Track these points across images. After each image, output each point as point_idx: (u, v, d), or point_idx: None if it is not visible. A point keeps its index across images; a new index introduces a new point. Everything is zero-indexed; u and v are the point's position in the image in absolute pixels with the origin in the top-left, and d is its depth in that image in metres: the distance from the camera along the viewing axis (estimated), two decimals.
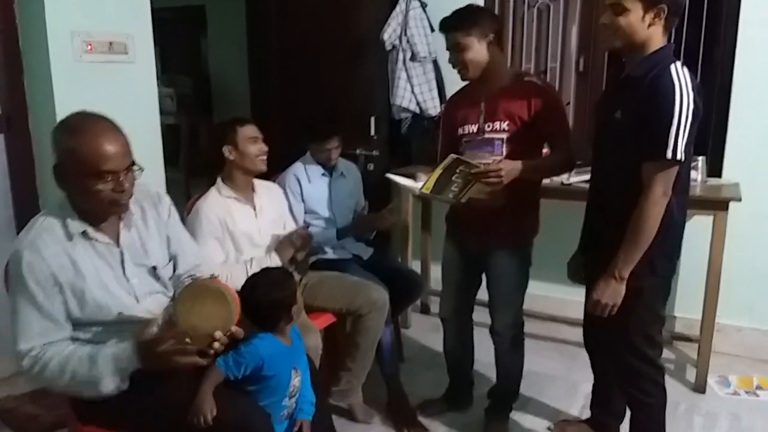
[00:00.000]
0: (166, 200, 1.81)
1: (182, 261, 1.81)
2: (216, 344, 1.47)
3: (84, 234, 1.56)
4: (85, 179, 1.49)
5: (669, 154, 1.68)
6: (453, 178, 2.02)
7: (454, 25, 2.11)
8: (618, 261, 1.79)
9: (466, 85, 2.29)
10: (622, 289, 1.81)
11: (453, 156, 2.01)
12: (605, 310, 1.83)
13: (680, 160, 1.69)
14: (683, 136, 1.67)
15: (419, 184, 2.07)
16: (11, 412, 2.47)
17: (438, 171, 2.02)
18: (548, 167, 2.20)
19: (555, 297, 3.26)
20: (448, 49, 2.15)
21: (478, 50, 2.10)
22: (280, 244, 2.32)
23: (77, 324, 1.56)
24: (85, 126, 1.51)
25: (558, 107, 2.17)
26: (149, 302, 1.66)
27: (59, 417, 2.31)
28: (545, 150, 2.25)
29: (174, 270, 1.79)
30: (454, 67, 2.17)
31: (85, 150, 1.47)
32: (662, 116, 1.67)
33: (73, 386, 1.50)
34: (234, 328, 1.51)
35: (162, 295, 1.72)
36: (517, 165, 2.02)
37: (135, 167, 1.56)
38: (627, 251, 1.78)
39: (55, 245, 1.51)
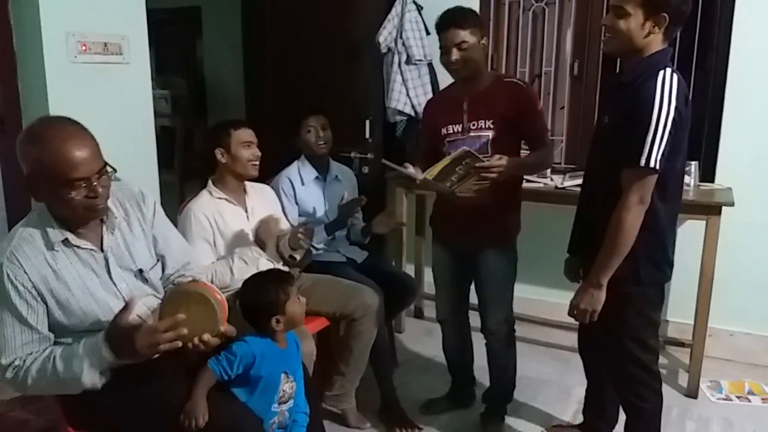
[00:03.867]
0: (151, 198, 1.75)
1: (170, 260, 1.77)
2: (202, 347, 1.46)
3: (65, 242, 1.53)
4: (56, 188, 1.45)
5: (642, 162, 1.67)
6: (457, 169, 2.03)
7: (459, 23, 2.11)
8: (595, 267, 1.80)
9: (445, 88, 2.35)
10: (601, 295, 1.80)
11: (465, 149, 2.00)
12: (584, 316, 1.84)
13: (654, 169, 1.68)
14: (659, 144, 1.66)
15: (419, 173, 2.06)
16: (1, 417, 2.46)
17: (446, 160, 2.01)
18: (534, 164, 2.28)
19: (548, 301, 3.26)
20: (445, 45, 2.14)
21: (476, 50, 2.14)
22: (267, 232, 2.27)
23: (64, 332, 1.54)
24: (49, 133, 1.45)
25: (537, 106, 2.23)
26: (138, 306, 1.62)
27: (49, 422, 2.30)
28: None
29: (163, 270, 1.76)
30: (447, 65, 2.17)
31: (52, 159, 1.41)
32: (639, 123, 1.67)
33: (58, 385, 1.48)
34: (224, 328, 1.49)
35: (153, 298, 1.70)
36: (510, 161, 2.06)
37: (107, 169, 1.51)
38: (603, 257, 1.78)
39: (35, 256, 1.48)
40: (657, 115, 1.65)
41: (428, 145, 2.35)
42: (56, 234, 1.51)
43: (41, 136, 1.45)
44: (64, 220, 1.53)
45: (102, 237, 1.60)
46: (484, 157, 2.10)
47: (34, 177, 1.46)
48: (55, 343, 1.53)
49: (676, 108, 1.66)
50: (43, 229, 1.51)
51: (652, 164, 1.67)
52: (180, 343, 1.43)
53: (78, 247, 1.55)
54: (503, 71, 3.44)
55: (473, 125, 2.18)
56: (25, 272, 1.46)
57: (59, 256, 1.52)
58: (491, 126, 2.15)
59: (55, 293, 1.50)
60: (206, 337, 1.45)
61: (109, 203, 1.58)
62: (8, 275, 1.45)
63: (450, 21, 2.13)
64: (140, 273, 1.66)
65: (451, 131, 2.22)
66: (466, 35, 2.11)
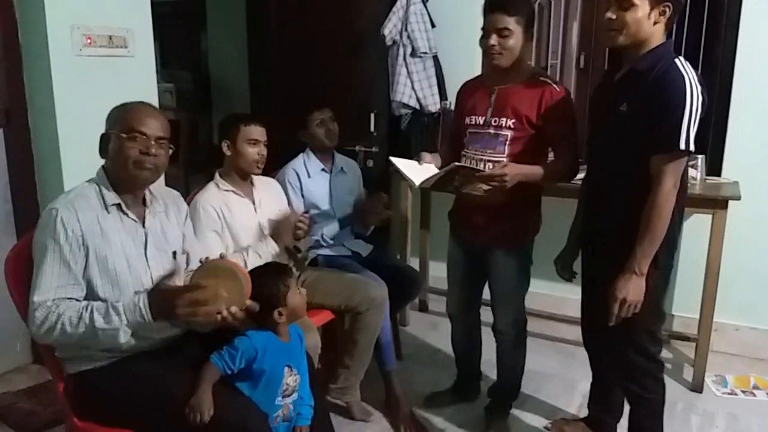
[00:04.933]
0: (185, 205, 1.93)
1: (191, 259, 1.87)
2: (230, 318, 1.52)
3: (118, 206, 1.65)
4: (119, 141, 1.61)
5: (682, 145, 1.69)
6: (455, 178, 2.04)
7: (506, 7, 1.99)
8: (636, 256, 1.78)
9: (481, 75, 2.22)
10: (644, 284, 1.80)
11: (455, 164, 2.00)
12: (630, 308, 1.81)
13: (692, 151, 1.72)
14: (694, 126, 1.69)
15: (418, 180, 2.05)
16: (8, 408, 2.48)
17: (441, 173, 2.03)
18: (549, 174, 2.09)
19: (553, 295, 3.25)
20: (486, 29, 2.02)
21: (519, 38, 2.01)
22: (278, 228, 2.29)
23: (92, 299, 1.58)
24: (139, 105, 1.69)
25: (568, 114, 2.08)
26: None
27: (56, 413, 2.32)
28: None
29: (186, 264, 1.86)
30: (485, 49, 2.05)
31: (128, 115, 1.64)
32: (674, 107, 1.69)
33: (88, 336, 1.51)
34: (249, 302, 1.56)
35: (178, 280, 1.77)
36: (521, 170, 2.01)
37: (169, 144, 1.68)
38: (643, 245, 1.77)
39: (89, 210, 1.60)
40: (690, 97, 1.68)
41: (452, 129, 2.31)
42: (111, 197, 1.65)
43: (132, 105, 1.68)
44: (119, 186, 1.66)
45: (144, 217, 1.72)
46: (498, 157, 2.08)
47: (107, 135, 1.65)
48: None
49: (701, 91, 1.70)
50: (100, 191, 1.65)
51: (691, 147, 1.70)
52: (215, 314, 1.49)
53: (126, 215, 1.67)
54: None
55: (495, 121, 2.09)
56: (78, 220, 1.56)
57: (109, 218, 1.63)
58: (512, 125, 2.06)
59: (98, 249, 1.59)
60: (234, 309, 1.52)
61: (153, 194, 1.75)
62: (62, 218, 1.55)
63: (497, 3, 2.01)
64: (173, 255, 1.77)
65: (473, 122, 2.16)
66: (510, 22, 1.98)
